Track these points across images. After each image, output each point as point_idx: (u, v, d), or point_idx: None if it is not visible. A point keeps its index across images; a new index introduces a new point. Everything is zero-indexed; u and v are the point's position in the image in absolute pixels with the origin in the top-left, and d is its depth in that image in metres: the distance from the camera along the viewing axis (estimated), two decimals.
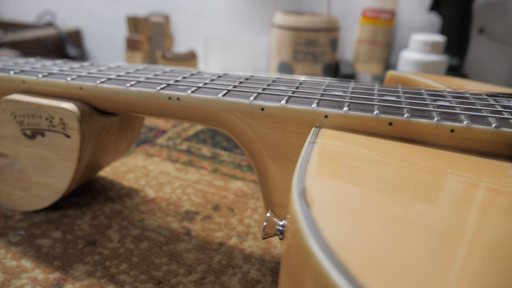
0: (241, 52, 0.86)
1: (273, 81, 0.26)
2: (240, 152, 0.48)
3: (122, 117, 0.32)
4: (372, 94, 0.23)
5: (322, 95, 0.23)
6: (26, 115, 0.29)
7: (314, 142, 0.19)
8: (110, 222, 0.34)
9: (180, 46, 1.01)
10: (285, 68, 0.76)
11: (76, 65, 0.33)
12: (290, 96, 0.23)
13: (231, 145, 0.50)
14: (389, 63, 0.78)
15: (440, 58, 0.59)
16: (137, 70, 0.30)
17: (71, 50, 1.07)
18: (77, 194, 0.38)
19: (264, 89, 0.24)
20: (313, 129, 0.21)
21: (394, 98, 0.23)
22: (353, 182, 0.16)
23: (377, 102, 0.22)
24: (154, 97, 0.25)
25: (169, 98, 0.24)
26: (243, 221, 0.35)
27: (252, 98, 0.23)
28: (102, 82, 0.27)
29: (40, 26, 1.09)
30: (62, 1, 1.12)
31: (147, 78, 0.27)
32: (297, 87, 0.25)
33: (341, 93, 0.24)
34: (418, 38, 0.60)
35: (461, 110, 0.21)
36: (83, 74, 0.29)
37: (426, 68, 0.60)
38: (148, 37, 0.92)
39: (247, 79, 0.27)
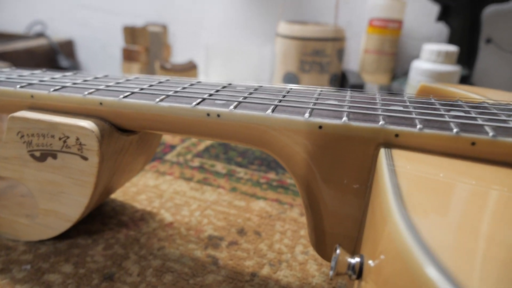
0: (244, 62, 0.83)
1: (319, 94, 0.24)
2: (257, 169, 0.45)
3: (142, 135, 0.29)
4: (437, 109, 0.21)
5: (383, 110, 0.20)
6: (36, 135, 0.25)
7: (394, 166, 0.16)
8: (127, 251, 0.30)
9: (178, 56, 0.98)
10: (290, 79, 0.73)
11: (89, 77, 0.29)
12: (349, 112, 0.20)
13: (246, 161, 0.47)
14: (395, 73, 0.77)
15: (453, 68, 0.58)
16: (160, 82, 0.27)
17: (63, 61, 1.03)
18: (86, 220, 0.34)
19: (314, 103, 0.22)
20: (382, 150, 0.18)
21: (463, 114, 0.20)
22: (457, 212, 0.13)
23: (449, 118, 0.19)
24: (190, 114, 0.22)
25: (208, 114, 0.22)
26: (273, 246, 0.32)
27: (307, 114, 0.20)
28: (126, 97, 0.24)
29: (31, 36, 1.05)
30: (54, 11, 1.08)
31: (176, 92, 0.24)
32: (350, 102, 0.22)
33: (401, 108, 0.21)
34: (431, 48, 0.58)
35: None
36: (101, 87, 0.26)
37: (439, 78, 0.58)
38: (145, 47, 0.89)
39: (288, 92, 0.24)
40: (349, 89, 0.25)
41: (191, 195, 0.39)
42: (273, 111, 0.21)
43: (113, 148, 0.26)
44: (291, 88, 0.25)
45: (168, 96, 0.23)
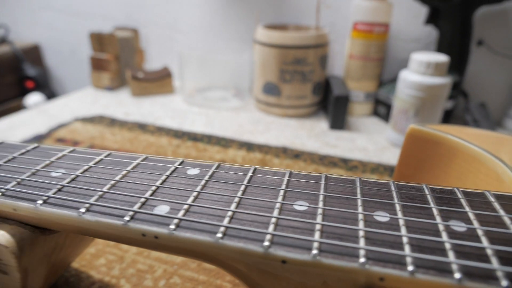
0: (221, 69, 0.78)
1: (285, 191, 0.19)
2: None
3: None
4: (436, 229, 0.16)
5: (366, 232, 0.16)
6: None
7: None
8: None
9: (153, 61, 0.92)
10: (271, 89, 0.69)
11: (8, 156, 0.24)
12: (320, 242, 0.16)
13: None
14: (382, 79, 0.72)
15: (444, 81, 0.54)
16: (96, 163, 0.22)
17: (30, 70, 0.96)
18: None
19: (278, 219, 0.17)
20: None
21: (464, 229, 0.16)
22: None
23: (451, 247, 0.15)
24: (121, 232, 0.17)
25: (143, 235, 0.17)
26: None
27: (266, 243, 0.15)
28: (44, 203, 0.19)
29: None
30: (16, 13, 1.00)
31: (105, 193, 0.19)
32: (323, 209, 0.18)
33: (388, 218, 0.17)
34: (420, 59, 0.54)
35: None
36: (17, 180, 0.21)
37: (429, 91, 0.54)
38: (115, 55, 0.82)
39: (249, 183, 0.20)
40: (323, 175, 0.20)
41: (156, 256, 0.35)
42: (223, 234, 0.16)
43: (42, 253, 0.21)
44: (252, 174, 0.21)
45: (91, 204, 0.18)
